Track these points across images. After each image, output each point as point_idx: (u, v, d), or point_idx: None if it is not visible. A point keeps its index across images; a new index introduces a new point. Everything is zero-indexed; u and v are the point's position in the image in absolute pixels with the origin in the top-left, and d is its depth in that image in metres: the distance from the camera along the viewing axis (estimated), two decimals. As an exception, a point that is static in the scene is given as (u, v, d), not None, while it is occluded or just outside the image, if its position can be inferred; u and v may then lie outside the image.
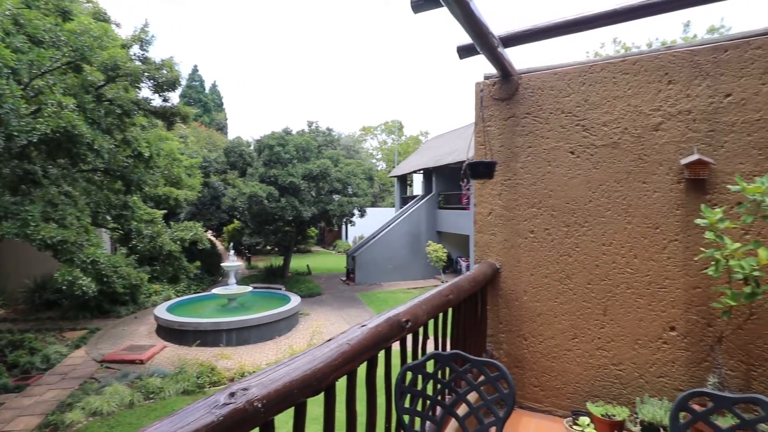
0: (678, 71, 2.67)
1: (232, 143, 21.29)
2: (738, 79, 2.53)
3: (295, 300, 14.02)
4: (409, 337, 1.93)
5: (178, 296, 15.40)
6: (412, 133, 53.87)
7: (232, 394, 0.96)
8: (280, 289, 16.77)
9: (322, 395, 1.29)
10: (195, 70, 46.14)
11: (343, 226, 30.21)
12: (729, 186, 2.37)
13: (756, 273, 2.17)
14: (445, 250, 18.95)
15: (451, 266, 20.83)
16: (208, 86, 48.11)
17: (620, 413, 2.62)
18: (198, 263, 14.14)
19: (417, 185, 29.13)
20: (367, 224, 25.46)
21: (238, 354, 10.73)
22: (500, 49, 2.78)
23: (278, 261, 20.83)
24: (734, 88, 2.54)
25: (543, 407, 3.04)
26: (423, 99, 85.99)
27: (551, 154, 3.02)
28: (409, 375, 1.72)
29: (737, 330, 2.52)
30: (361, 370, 1.54)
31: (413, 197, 25.85)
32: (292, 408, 1.16)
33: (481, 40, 2.53)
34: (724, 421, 2.05)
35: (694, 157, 2.55)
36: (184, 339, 11.33)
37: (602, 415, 2.63)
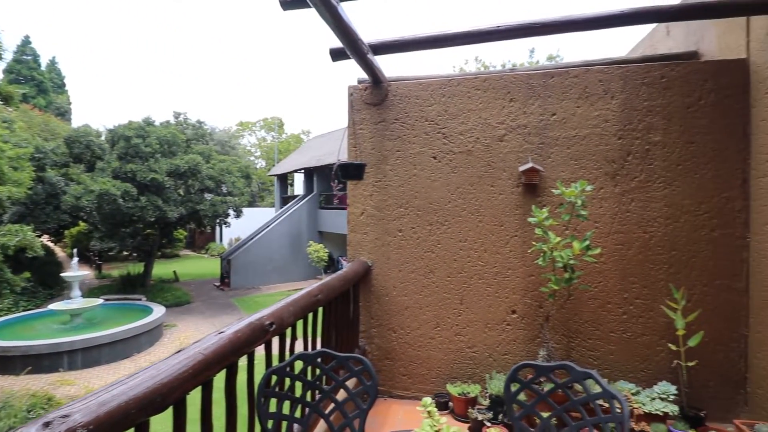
0: (518, 91, 3.11)
1: (76, 132, 18.17)
2: (561, 101, 3.05)
3: (158, 311, 12.63)
4: (276, 340, 1.89)
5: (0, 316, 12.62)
6: (293, 131, 52.80)
7: (46, 424, 0.82)
8: (140, 299, 14.93)
9: (171, 412, 1.19)
10: (26, 41, 38.17)
11: (217, 228, 28.16)
12: (553, 190, 2.85)
13: (572, 262, 2.65)
14: (327, 250, 19.00)
15: (332, 266, 20.97)
16: (45, 63, 40.28)
17: (473, 390, 2.95)
18: (27, 275, 11.74)
19: (298, 185, 28.65)
20: (246, 225, 24.14)
21: (85, 378, 9.25)
22: (370, 56, 2.90)
23: (138, 268, 18.49)
24: (558, 108, 3.05)
25: (410, 394, 3.26)
26: (306, 97, 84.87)
27: (417, 158, 3.26)
28: (274, 378, 1.68)
29: (560, 309, 3.03)
30: (221, 380, 1.46)
31: (294, 197, 25.36)
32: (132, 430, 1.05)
33: (351, 45, 2.61)
34: (548, 387, 2.46)
35: (529, 165, 3.00)
36: (9, 367, 9.35)
37: (459, 394, 2.93)
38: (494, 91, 3.14)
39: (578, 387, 2.44)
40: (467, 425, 2.80)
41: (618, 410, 1.39)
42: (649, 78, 2.93)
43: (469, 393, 2.93)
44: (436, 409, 1.63)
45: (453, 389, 2.98)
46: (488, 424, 2.66)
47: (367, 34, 2.87)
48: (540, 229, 2.70)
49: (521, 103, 3.10)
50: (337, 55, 3.00)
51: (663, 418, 2.62)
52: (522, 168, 3.02)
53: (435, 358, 3.23)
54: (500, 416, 2.74)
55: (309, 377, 1.84)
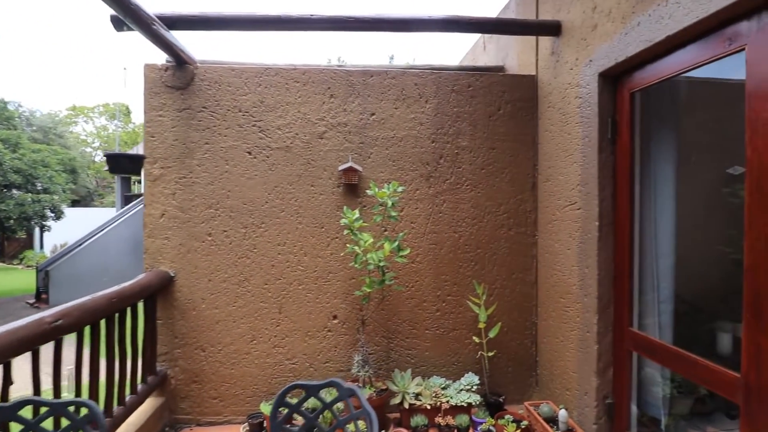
0: (338, 87, 2.98)
1: None
2: (380, 101, 3.02)
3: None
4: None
5: None
6: (143, 120, 46.46)
7: None
8: None
9: None
10: None
11: (36, 233, 23.14)
12: (368, 191, 2.78)
13: (382, 263, 2.61)
14: (178, 255, 17.01)
15: (186, 272, 18.84)
16: None
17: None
18: None
19: (146, 182, 25.09)
20: (79, 228, 20.22)
21: None
22: (160, 29, 2.46)
23: None
24: (377, 108, 3.01)
25: (222, 419, 2.89)
26: (159, 84, 75.14)
27: (229, 153, 2.90)
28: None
29: (380, 311, 3.00)
30: None
31: (140, 195, 22.21)
32: None
33: (126, 12, 2.15)
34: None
35: (348, 164, 2.90)
36: None
37: (272, 413, 2.67)
38: (314, 85, 2.97)
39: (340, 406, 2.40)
40: (278, 446, 2.56)
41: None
42: (458, 86, 3.07)
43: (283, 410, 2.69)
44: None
45: (266, 408, 2.71)
46: (298, 442, 2.45)
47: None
48: (351, 231, 2.60)
49: (341, 100, 2.98)
50: (119, 23, 2.48)
51: (467, 408, 2.75)
52: (341, 167, 2.91)
53: (251, 374, 2.92)
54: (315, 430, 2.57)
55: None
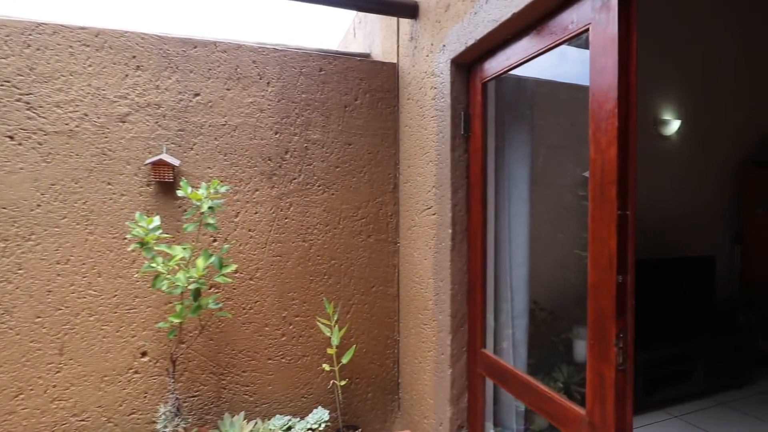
0: (147, 58, 2.32)
1: None
2: (206, 80, 2.42)
3: None
4: None
5: None
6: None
7: None
8: None
9: None
10: None
11: None
12: (178, 191, 2.16)
13: (194, 286, 2.02)
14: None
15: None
16: None
17: (62, 486, 2.00)
18: None
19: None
20: None
21: None
22: None
23: None
24: (203, 88, 2.41)
25: None
26: None
27: (-24, 137, 2.07)
28: None
29: (208, 342, 2.41)
30: None
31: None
32: None
33: None
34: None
35: (158, 156, 2.25)
36: None
37: (36, 499, 1.93)
38: (112, 51, 2.26)
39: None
40: None
41: None
42: (307, 68, 2.61)
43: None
44: None
45: (31, 490, 1.96)
46: None
47: None
48: (143, 245, 1.97)
49: (153, 74, 2.32)
50: None
51: (313, 452, 2.30)
52: (149, 160, 2.25)
53: (15, 443, 2.12)
54: None
55: None
